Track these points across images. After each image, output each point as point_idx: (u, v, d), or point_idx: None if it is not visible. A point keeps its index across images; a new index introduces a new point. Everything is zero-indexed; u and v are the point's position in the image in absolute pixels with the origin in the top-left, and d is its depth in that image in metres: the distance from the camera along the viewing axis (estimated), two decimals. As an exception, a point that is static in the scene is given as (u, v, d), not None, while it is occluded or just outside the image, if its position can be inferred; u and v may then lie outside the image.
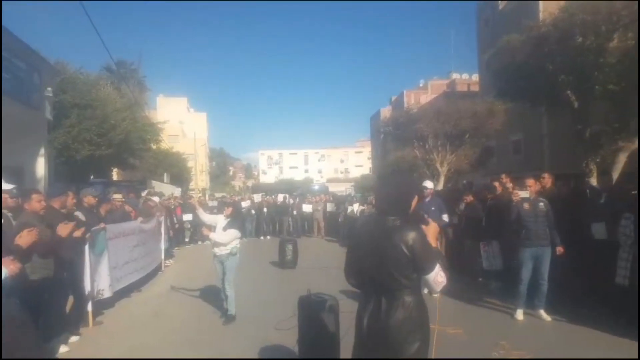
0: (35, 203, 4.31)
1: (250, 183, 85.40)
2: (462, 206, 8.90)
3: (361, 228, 2.65)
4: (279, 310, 6.39)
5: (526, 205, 6.05)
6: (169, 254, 11.88)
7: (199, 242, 16.72)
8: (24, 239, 3.19)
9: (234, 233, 6.37)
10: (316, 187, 37.29)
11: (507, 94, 15.66)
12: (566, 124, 14.86)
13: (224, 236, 6.29)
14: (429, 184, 8.14)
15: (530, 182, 6.21)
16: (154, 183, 22.10)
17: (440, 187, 20.57)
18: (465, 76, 45.55)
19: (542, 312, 6.07)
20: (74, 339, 5.44)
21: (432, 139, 22.76)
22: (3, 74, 9.14)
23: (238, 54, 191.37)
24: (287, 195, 21.20)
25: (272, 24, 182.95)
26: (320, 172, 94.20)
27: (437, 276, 2.41)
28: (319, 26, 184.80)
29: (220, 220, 6.57)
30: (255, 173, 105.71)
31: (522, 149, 24.92)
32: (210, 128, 70.41)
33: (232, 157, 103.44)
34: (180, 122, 51.11)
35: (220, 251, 6.35)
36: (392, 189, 2.56)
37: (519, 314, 6.12)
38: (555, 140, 20.55)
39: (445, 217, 7.71)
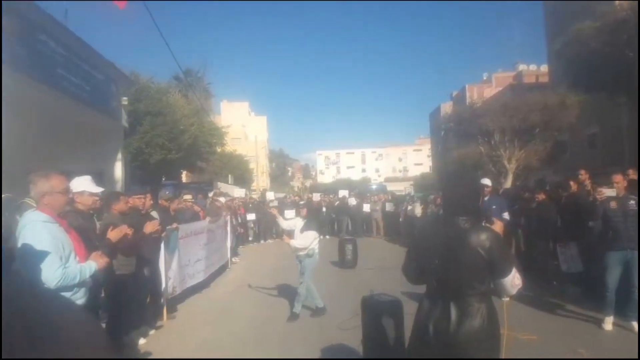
0: (122, 204, 4.69)
1: (308, 183, 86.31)
2: (533, 205, 8.48)
3: (427, 229, 2.59)
4: (341, 310, 6.42)
5: (613, 204, 5.52)
6: (234, 253, 12.33)
7: (262, 241, 17.23)
8: (115, 234, 3.47)
9: (311, 235, 6.46)
10: (374, 187, 36.92)
11: (581, 85, 14.72)
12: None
13: (302, 240, 6.42)
14: (487, 181, 7.80)
15: (617, 178, 5.64)
16: (220, 184, 23.02)
17: (508, 184, 19.67)
18: (532, 67, 43.25)
19: (635, 324, 5.39)
20: (150, 332, 5.80)
21: (499, 135, 21.77)
22: (84, 85, 9.89)
23: (296, 56, 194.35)
24: (349, 192, 20.92)
25: (328, 23, 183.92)
26: (377, 171, 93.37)
27: (515, 279, 2.32)
28: (375, 23, 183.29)
29: (298, 223, 6.68)
30: (313, 173, 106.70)
31: (598, 144, 23.25)
32: (270, 130, 72.15)
33: (291, 158, 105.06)
34: (242, 126, 52.87)
35: (296, 247, 6.49)
36: (459, 188, 2.47)
37: (608, 323, 5.50)
38: (636, 133, 18.96)
39: (506, 215, 7.39)
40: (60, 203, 2.97)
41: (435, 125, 46.96)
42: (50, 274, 2.74)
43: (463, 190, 2.45)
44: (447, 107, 47.18)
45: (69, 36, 9.18)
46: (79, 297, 2.97)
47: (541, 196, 8.55)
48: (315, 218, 8.01)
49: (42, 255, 2.74)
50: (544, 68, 34.12)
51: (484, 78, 51.59)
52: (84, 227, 3.58)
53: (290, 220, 6.90)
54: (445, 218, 2.50)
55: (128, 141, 15.36)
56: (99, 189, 3.90)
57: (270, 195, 20.14)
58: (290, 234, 6.68)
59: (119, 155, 12.43)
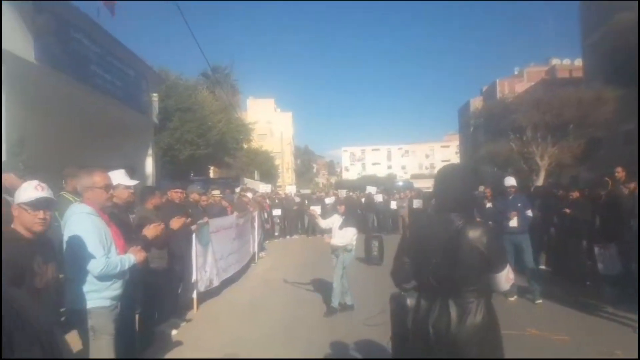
0: (157, 199, 4.82)
1: (333, 180, 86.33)
2: (566, 203, 8.23)
3: (420, 227, 2.53)
4: (367, 306, 6.40)
5: None
6: (261, 247, 12.46)
7: (287, 237, 17.36)
8: (151, 231, 3.55)
9: (350, 232, 6.50)
10: (400, 184, 36.59)
11: (618, 79, 14.16)
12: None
13: (341, 238, 6.47)
14: (511, 180, 7.69)
15: None
16: (246, 180, 23.27)
17: (540, 182, 19.17)
18: (566, 61, 41.93)
19: None
20: (181, 324, 5.92)
21: (531, 131, 21.20)
22: (116, 82, 10.11)
23: (322, 52, 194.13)
24: (376, 189, 20.82)
25: (354, 18, 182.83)
26: (403, 168, 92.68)
27: (509, 273, 2.32)
28: (403, 17, 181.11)
29: (335, 220, 6.69)
30: (338, 170, 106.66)
31: (635, 140, 22.33)
32: (296, 127, 72.45)
33: (316, 154, 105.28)
34: (268, 122, 53.24)
35: (337, 245, 6.51)
36: (452, 183, 2.41)
37: None
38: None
39: (529, 213, 7.31)
40: (101, 198, 3.10)
41: (464, 121, 46.20)
42: (94, 262, 2.87)
43: (456, 186, 2.40)
44: (476, 103, 46.23)
45: (101, 34, 9.40)
46: (116, 288, 3.07)
47: (575, 194, 8.29)
48: (354, 214, 8.02)
49: (87, 244, 2.88)
50: (578, 62, 32.99)
51: (515, 72, 50.29)
52: (122, 220, 3.67)
53: (328, 219, 6.87)
54: (438, 215, 2.45)
55: (158, 137, 15.68)
56: (133, 182, 4.00)
57: (291, 189, 20.33)
58: (328, 233, 6.68)
59: (150, 151, 12.67)
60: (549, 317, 6.20)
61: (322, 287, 7.93)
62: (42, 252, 2.39)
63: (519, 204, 7.19)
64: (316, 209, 8.62)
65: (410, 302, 2.64)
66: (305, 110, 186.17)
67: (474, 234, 2.24)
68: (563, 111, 19.77)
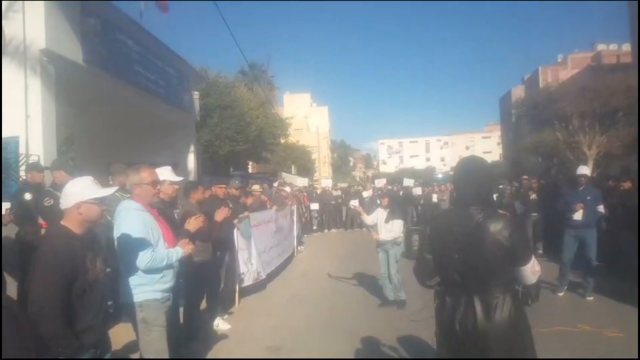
0: (200, 194, 4.96)
1: (370, 173, 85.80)
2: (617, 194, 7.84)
3: (441, 223, 2.48)
4: (410, 302, 6.29)
5: None
6: (299, 241, 12.56)
7: (325, 231, 17.41)
8: (192, 224, 3.64)
9: (398, 224, 6.38)
10: (440, 176, 35.90)
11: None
12: None
13: (389, 232, 6.35)
14: (585, 169, 7.21)
15: None
16: (283, 174, 23.50)
17: (589, 173, 18.34)
18: (613, 47, 39.89)
19: None
20: (225, 316, 6.05)
21: (577, 119, 20.42)
22: (159, 81, 10.42)
23: (357, 44, 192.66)
24: (414, 182, 20.54)
25: (390, 8, 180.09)
26: (442, 160, 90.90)
27: (535, 265, 2.25)
28: (441, 5, 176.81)
29: (380, 214, 6.58)
30: (375, 163, 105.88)
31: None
32: (332, 120, 72.41)
33: (353, 148, 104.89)
34: (304, 117, 53.48)
35: (384, 240, 6.39)
36: (471, 176, 2.36)
37: None
38: None
39: (601, 209, 6.79)
40: (148, 194, 3.20)
41: (506, 110, 44.84)
42: (141, 256, 2.96)
43: (475, 179, 2.35)
44: (518, 91, 44.77)
45: (144, 35, 9.72)
46: (167, 281, 3.17)
47: (627, 184, 7.91)
48: (399, 205, 7.88)
49: (134, 238, 2.98)
50: (626, 47, 31.31)
51: (559, 60, 48.25)
52: (168, 215, 3.78)
53: (372, 214, 6.75)
54: (458, 209, 2.39)
55: (199, 134, 16.09)
56: (179, 178, 4.11)
57: (326, 183, 20.42)
58: (374, 228, 6.57)
59: (192, 147, 13.04)
60: (601, 313, 5.95)
61: (365, 281, 7.92)
62: (92, 248, 2.47)
63: (589, 197, 6.65)
64: (355, 203, 8.57)
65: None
66: (341, 103, 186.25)
67: (495, 227, 2.20)
68: (611, 98, 18.89)
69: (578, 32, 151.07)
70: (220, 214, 4.75)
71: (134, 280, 3.04)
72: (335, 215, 18.41)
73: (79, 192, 2.43)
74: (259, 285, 7.60)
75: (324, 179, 28.35)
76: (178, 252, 3.17)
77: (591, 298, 6.54)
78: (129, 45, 9.01)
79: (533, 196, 10.59)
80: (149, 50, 9.88)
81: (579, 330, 5.20)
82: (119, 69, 8.58)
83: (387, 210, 6.48)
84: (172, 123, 11.94)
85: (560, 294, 6.68)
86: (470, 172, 2.41)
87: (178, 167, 12.21)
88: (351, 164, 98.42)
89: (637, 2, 9.99)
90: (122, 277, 3.08)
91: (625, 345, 4.67)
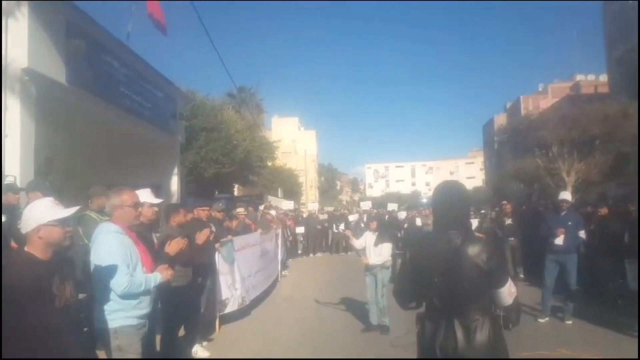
0: (181, 217, 4.90)
1: (356, 197, 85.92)
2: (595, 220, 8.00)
3: (421, 247, 2.52)
4: (394, 327, 6.25)
5: None
6: (284, 265, 12.45)
7: (311, 255, 17.30)
8: (172, 247, 3.60)
9: (387, 248, 6.35)
10: (424, 201, 36.22)
11: (646, 93, 13.83)
12: None
13: (379, 256, 6.32)
14: (566, 195, 7.37)
15: None
16: (270, 197, 23.43)
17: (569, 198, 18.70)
18: (591, 77, 41.28)
19: None
20: (204, 343, 5.91)
21: (557, 147, 20.91)
22: (145, 103, 10.42)
23: (346, 70, 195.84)
24: (397, 206, 20.82)
25: (378, 35, 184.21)
26: (428, 184, 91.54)
27: (511, 287, 2.29)
28: (426, 33, 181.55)
29: (368, 237, 6.54)
30: (362, 187, 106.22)
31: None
32: (320, 144, 72.83)
33: (340, 171, 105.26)
34: (292, 140, 53.76)
35: (374, 264, 6.35)
36: (450, 201, 2.41)
37: None
38: None
39: (582, 234, 6.90)
40: (129, 216, 3.16)
41: (489, 137, 45.70)
42: (118, 281, 2.90)
43: (453, 203, 2.40)
44: (501, 119, 45.75)
45: (131, 57, 9.75)
46: (144, 307, 3.10)
47: (604, 210, 8.08)
48: (388, 228, 7.86)
49: (111, 263, 2.92)
50: (603, 78, 32.52)
51: (539, 89, 49.65)
52: (147, 239, 3.74)
53: (360, 238, 6.72)
54: (437, 233, 2.43)
55: (184, 156, 16.00)
56: (158, 200, 4.08)
57: (313, 207, 20.52)
58: (363, 253, 6.53)
59: (176, 170, 12.95)
60: (580, 337, 6.00)
61: (351, 306, 7.86)
62: (59, 272, 2.39)
63: (570, 222, 6.74)
64: (341, 227, 8.58)
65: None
66: (329, 127, 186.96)
67: (473, 250, 2.24)
68: (589, 127, 19.47)
69: (558, 63, 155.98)
70: (202, 236, 4.71)
71: (109, 306, 2.96)
72: (321, 239, 18.35)
73: (38, 215, 2.33)
74: (244, 311, 7.47)
75: (311, 203, 28.35)
76: (157, 277, 3.12)
77: (570, 322, 6.59)
78: (115, 66, 9.01)
79: (508, 221, 10.74)
80: (135, 72, 9.90)
81: (558, 354, 5.22)
82: (104, 90, 8.55)
83: (376, 233, 6.47)
84: (156, 145, 11.89)
85: (543, 320, 6.69)
86: (448, 197, 2.45)
87: (161, 189, 12.10)
88: (338, 187, 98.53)
89: (637, 2, 10.42)
90: (97, 303, 3.02)
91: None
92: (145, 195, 3.90)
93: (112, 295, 2.94)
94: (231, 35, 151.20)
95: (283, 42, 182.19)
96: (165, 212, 5.03)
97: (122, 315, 2.97)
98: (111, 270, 2.91)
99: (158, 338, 4.56)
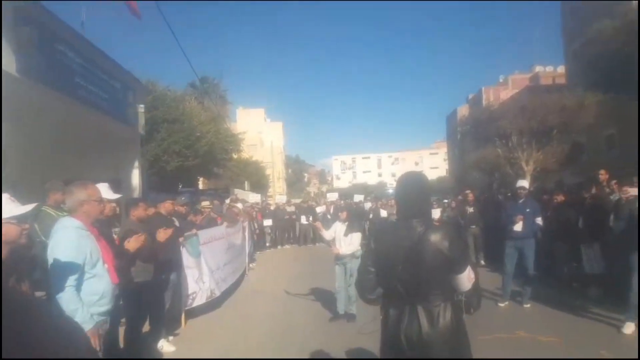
0: (141, 211, 4.76)
1: (324, 188, 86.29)
2: (552, 207, 8.34)
3: (384, 236, 2.56)
4: (360, 315, 6.33)
5: None
6: (251, 258, 12.37)
7: (279, 247, 17.27)
8: (132, 243, 3.49)
9: (357, 237, 6.42)
10: (390, 191, 36.71)
11: (600, 85, 14.50)
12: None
13: (349, 246, 6.37)
14: (524, 183, 7.60)
15: None
16: (236, 191, 23.15)
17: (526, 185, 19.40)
18: (549, 69, 42.74)
19: None
20: (170, 338, 5.83)
21: (516, 137, 21.58)
22: (102, 94, 10.05)
23: (311, 62, 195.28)
24: (364, 197, 21.05)
25: (343, 27, 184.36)
26: (394, 175, 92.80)
27: (470, 273, 2.36)
28: (391, 26, 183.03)
29: (338, 228, 6.58)
30: (329, 178, 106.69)
31: (616, 144, 22.77)
32: (287, 136, 72.53)
33: (307, 163, 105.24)
34: (258, 132, 53.21)
35: (345, 254, 6.39)
36: (412, 191, 2.49)
37: (628, 328, 5.32)
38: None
39: (539, 221, 7.14)
40: (96, 211, 3.08)
41: (452, 128, 46.73)
42: (71, 280, 2.77)
43: (416, 193, 2.47)
44: (463, 110, 46.82)
45: (86, 46, 9.34)
46: (104, 304, 3.00)
47: (560, 198, 8.42)
48: (357, 218, 7.90)
49: (69, 260, 2.79)
50: (561, 69, 33.69)
51: (500, 80, 51.06)
52: (107, 235, 3.63)
53: (330, 229, 6.74)
54: (400, 222, 2.50)
55: (145, 149, 15.53)
56: (116, 195, 3.95)
57: (280, 199, 20.48)
58: (333, 243, 6.56)
59: (136, 163, 12.56)
60: (537, 319, 6.25)
61: (320, 296, 7.90)
62: (15, 271, 2.29)
63: (528, 209, 6.98)
64: (308, 219, 8.60)
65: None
66: (296, 119, 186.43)
67: (435, 237, 2.30)
68: (547, 117, 20.14)
69: (518, 55, 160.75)
70: (162, 235, 4.60)
71: (69, 304, 2.84)
72: (289, 231, 18.32)
73: None
74: (212, 305, 7.39)
75: (278, 195, 28.17)
76: (84, 320, 2.80)
77: (528, 305, 6.86)
78: (69, 56, 8.60)
79: (470, 210, 11.06)
80: (91, 62, 9.48)
81: (516, 336, 5.43)
82: (58, 81, 8.16)
83: (346, 223, 6.51)
84: (115, 137, 11.47)
85: (503, 305, 6.94)
86: (410, 187, 2.51)
87: (121, 183, 11.74)
88: (306, 179, 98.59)
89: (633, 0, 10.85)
90: (54, 300, 2.89)
91: (559, 350, 4.93)
92: (102, 191, 3.77)
93: (70, 292, 2.82)
94: (193, 24, 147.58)
95: (247, 32, 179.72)
96: (125, 207, 4.88)
97: (81, 312, 2.86)
98: (69, 267, 2.79)
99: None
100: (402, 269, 2.32)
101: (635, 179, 5.65)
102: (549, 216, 8.16)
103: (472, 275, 2.39)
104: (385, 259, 2.43)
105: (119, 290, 3.29)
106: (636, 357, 3.94)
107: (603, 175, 7.53)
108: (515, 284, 7.15)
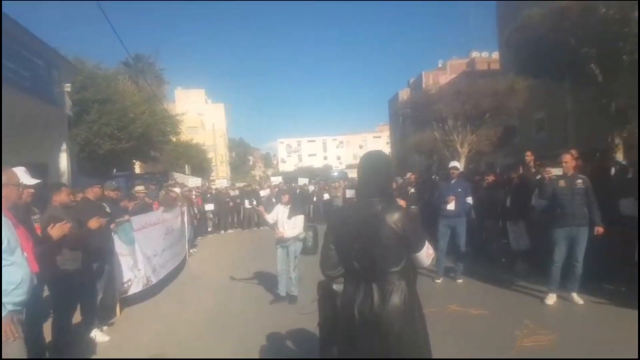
0: (65, 196, 4.46)
1: (270, 172, 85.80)
2: (483, 186, 8.80)
3: (344, 214, 2.62)
4: (302, 296, 6.40)
5: (562, 182, 5.67)
6: (192, 244, 12.09)
7: (222, 232, 17.00)
8: (56, 231, 3.28)
9: (300, 220, 6.39)
10: (335, 174, 37.16)
11: (529, 70, 15.29)
12: (590, 100, 14.41)
13: (294, 228, 6.34)
14: (455, 163, 7.89)
15: (566, 157, 5.74)
16: (176, 175, 22.43)
17: (460, 168, 20.32)
18: (485, 54, 44.47)
19: (575, 295, 5.72)
20: (104, 327, 5.61)
21: (452, 120, 22.42)
22: (22, 72, 9.30)
23: (254, 43, 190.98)
24: (308, 180, 21.15)
25: (286, 9, 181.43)
26: (339, 158, 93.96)
27: (428, 249, 2.43)
28: (334, 10, 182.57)
29: (280, 210, 6.52)
30: (275, 162, 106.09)
31: (545, 127, 24.33)
32: (230, 118, 70.88)
33: (252, 146, 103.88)
34: (198, 114, 51.57)
35: (288, 237, 6.35)
36: (372, 170, 2.52)
37: (550, 299, 5.76)
38: (580, 116, 19.97)
39: (469, 200, 7.46)
40: (14, 195, 2.94)
41: (394, 112, 47.72)
42: None
43: (376, 173, 2.50)
44: (404, 94, 47.87)
45: (4, 21, 8.56)
46: (20, 294, 2.79)
47: (490, 178, 8.89)
48: (299, 200, 7.89)
49: None
50: (496, 55, 35.19)
51: (439, 65, 52.67)
52: (26, 221, 3.39)
53: (272, 213, 6.68)
54: (360, 201, 2.55)
55: (75, 131, 14.60)
56: (34, 181, 3.68)
57: (221, 183, 20.11)
58: (276, 226, 6.51)
59: (64, 146, 11.80)
60: (469, 294, 6.61)
61: (264, 280, 7.87)
62: None
63: (459, 189, 7.26)
64: (255, 204, 8.51)
65: (337, 288, 2.71)
66: (240, 102, 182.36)
67: (390, 217, 2.33)
68: (480, 101, 21.04)
69: (456, 41, 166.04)
70: (95, 223, 4.37)
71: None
72: (233, 215, 18.06)
73: None
74: (150, 292, 7.17)
75: (221, 179, 27.59)
76: None
77: (461, 280, 7.25)
78: (-16, 30, 7.87)
79: (412, 190, 11.43)
80: (9, 37, 8.71)
81: (448, 310, 5.72)
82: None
83: (288, 206, 6.50)
84: (40, 119, 10.68)
85: (439, 280, 7.27)
86: (372, 166, 2.52)
87: (48, 168, 10.99)
88: (251, 162, 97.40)
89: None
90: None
91: (488, 322, 5.25)
92: (20, 175, 3.50)
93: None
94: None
95: (186, 8, 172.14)
96: (48, 192, 4.57)
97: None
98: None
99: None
100: (359, 247, 2.36)
101: (563, 157, 5.89)
102: (480, 196, 8.60)
103: (431, 252, 2.46)
104: (343, 237, 2.46)
105: (41, 279, 3.10)
106: (636, 357, 4.19)
107: (529, 156, 8.01)
108: (449, 261, 7.50)
